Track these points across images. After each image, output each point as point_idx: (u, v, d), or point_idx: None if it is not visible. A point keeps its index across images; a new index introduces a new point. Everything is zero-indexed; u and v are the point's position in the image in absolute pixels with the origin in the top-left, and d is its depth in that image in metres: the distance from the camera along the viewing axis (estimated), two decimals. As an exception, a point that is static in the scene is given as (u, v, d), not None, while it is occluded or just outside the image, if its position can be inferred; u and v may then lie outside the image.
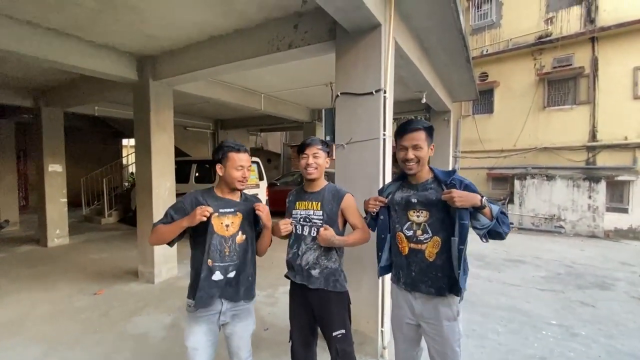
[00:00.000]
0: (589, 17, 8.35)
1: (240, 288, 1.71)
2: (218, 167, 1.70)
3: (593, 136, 8.27)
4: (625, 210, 7.81)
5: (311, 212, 1.86)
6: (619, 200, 7.99)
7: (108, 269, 4.97)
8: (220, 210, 1.67)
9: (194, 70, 3.84)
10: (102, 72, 4.00)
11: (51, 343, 2.91)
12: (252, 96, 6.46)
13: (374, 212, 1.80)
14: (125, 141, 14.06)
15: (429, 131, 1.65)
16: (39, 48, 3.38)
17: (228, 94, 5.90)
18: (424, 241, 1.61)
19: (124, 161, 12.27)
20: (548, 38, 8.80)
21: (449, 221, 1.55)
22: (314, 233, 1.84)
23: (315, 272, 1.82)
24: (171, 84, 4.37)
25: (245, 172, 1.69)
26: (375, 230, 1.83)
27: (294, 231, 1.92)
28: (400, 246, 1.71)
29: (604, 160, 8.15)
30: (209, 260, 1.64)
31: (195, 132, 10.28)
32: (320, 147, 1.85)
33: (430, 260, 1.60)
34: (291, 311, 1.96)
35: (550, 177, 8.30)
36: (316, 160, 1.83)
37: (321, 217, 1.83)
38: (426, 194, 1.62)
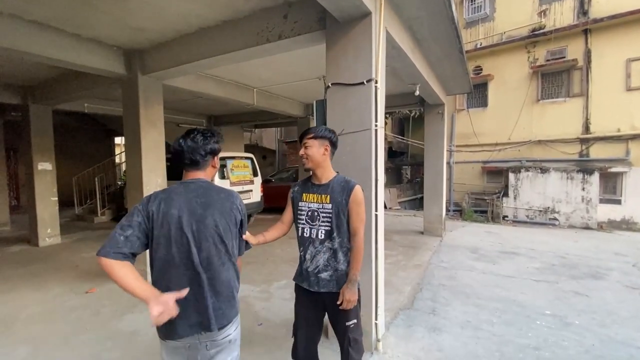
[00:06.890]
0: (582, 9, 8.36)
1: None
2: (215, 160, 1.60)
3: (586, 128, 8.30)
4: (618, 202, 7.87)
5: (321, 205, 1.78)
6: (612, 192, 8.04)
7: (100, 267, 4.89)
8: None
9: (183, 63, 3.77)
10: (89, 67, 3.91)
11: (40, 343, 2.85)
12: (244, 91, 6.37)
13: None
14: (118, 139, 13.88)
15: None
16: (21, 41, 3.29)
17: (220, 88, 5.81)
18: None
19: (117, 159, 12.11)
20: (541, 31, 8.80)
21: None
22: (321, 235, 1.77)
23: (325, 275, 1.78)
24: (160, 78, 4.29)
25: None
26: None
27: (299, 234, 1.85)
28: None
29: (597, 152, 8.20)
30: None
31: (187, 128, 10.16)
32: (311, 136, 1.79)
33: None
34: (297, 308, 1.91)
35: (544, 170, 8.33)
36: (306, 151, 1.79)
37: (330, 211, 1.76)
38: None
